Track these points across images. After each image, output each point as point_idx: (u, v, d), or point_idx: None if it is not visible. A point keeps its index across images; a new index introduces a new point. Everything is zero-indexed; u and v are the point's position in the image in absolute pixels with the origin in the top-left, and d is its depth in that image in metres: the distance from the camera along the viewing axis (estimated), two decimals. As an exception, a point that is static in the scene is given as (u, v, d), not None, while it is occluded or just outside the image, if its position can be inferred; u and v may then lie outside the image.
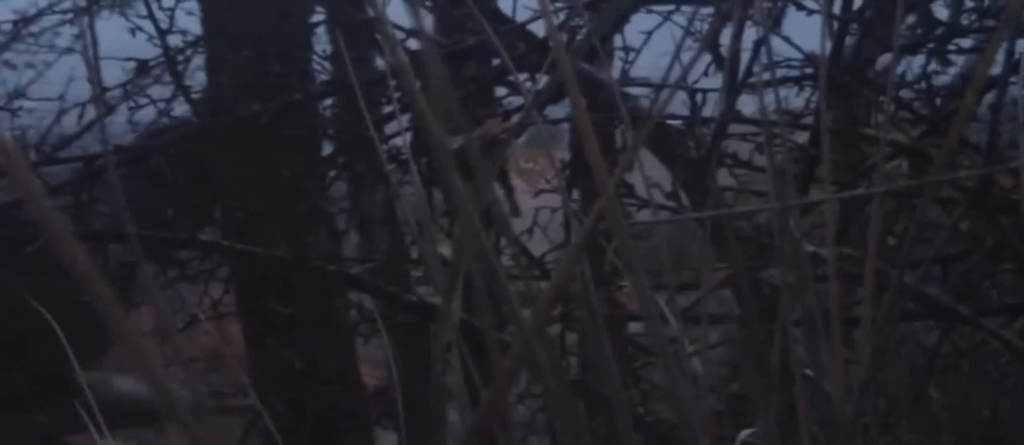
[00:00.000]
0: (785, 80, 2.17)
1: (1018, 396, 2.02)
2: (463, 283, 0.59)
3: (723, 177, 2.25)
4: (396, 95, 1.67)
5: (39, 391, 3.51)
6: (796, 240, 0.70)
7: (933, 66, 2.21)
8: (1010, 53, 1.58)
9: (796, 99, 2.29)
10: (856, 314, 0.68)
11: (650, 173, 1.80)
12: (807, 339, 0.68)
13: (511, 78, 2.40)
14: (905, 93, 2.19)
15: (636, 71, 2.33)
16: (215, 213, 2.75)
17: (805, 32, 2.08)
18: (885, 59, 2.13)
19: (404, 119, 2.05)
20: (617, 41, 2.34)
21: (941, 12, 2.17)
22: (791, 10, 2.10)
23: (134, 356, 0.41)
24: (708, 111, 1.96)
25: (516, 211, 2.70)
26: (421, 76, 0.53)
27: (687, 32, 1.62)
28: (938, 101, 2.19)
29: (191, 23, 2.85)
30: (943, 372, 2.04)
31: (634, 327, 2.42)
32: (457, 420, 0.63)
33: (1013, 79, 1.56)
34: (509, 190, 2.66)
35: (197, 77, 2.85)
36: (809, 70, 2.16)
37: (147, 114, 3.04)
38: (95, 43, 2.84)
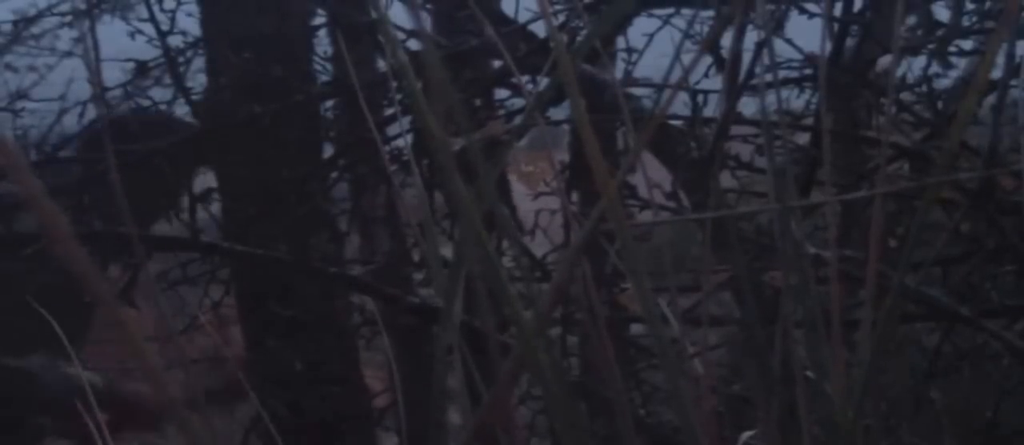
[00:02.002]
0: (786, 81, 2.16)
1: (1020, 398, 2.02)
2: (465, 285, 0.59)
3: (724, 178, 2.25)
4: (398, 97, 1.67)
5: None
6: (797, 242, 0.70)
7: (934, 68, 2.20)
8: (1011, 55, 1.58)
9: (797, 101, 2.29)
10: (857, 316, 0.68)
11: (651, 174, 1.80)
12: (808, 341, 0.68)
13: (513, 79, 2.40)
14: (906, 96, 2.18)
15: (638, 72, 2.34)
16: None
17: (806, 33, 2.08)
18: (886, 61, 2.12)
19: (406, 121, 2.05)
20: (620, 42, 2.34)
21: (942, 13, 2.17)
22: (791, 11, 2.10)
23: (136, 357, 0.41)
24: (709, 112, 1.96)
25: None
26: (422, 77, 0.53)
27: (687, 34, 1.63)
28: (939, 103, 2.18)
29: (192, 24, 2.85)
30: (944, 374, 2.04)
31: (635, 329, 2.41)
32: (459, 421, 0.63)
33: (1014, 82, 1.56)
34: (506, 193, 2.66)
35: (198, 79, 2.85)
36: (809, 72, 2.15)
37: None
38: (96, 46, 2.84)
